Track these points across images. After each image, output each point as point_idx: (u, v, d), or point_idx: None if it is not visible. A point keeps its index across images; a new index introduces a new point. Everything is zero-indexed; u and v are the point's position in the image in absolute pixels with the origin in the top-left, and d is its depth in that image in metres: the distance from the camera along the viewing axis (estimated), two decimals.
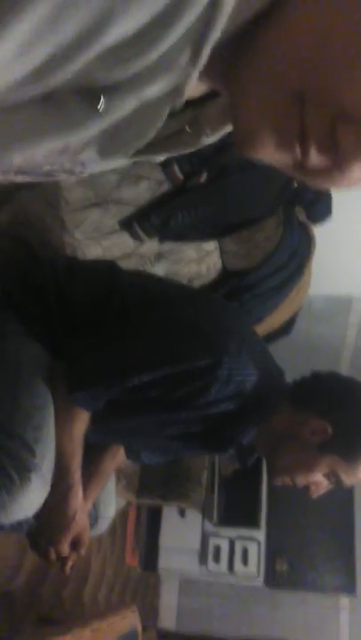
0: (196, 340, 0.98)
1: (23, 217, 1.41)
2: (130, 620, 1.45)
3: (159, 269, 1.73)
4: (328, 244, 2.38)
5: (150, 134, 0.49)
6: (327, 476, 1.08)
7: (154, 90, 0.45)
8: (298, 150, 0.42)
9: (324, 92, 0.39)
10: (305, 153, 0.42)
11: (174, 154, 0.56)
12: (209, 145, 0.58)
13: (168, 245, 1.73)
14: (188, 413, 1.02)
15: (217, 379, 0.96)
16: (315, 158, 0.42)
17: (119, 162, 0.53)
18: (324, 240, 2.22)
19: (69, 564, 1.08)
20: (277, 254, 1.83)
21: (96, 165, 0.53)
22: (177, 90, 0.45)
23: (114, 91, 0.44)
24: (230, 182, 1.47)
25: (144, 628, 2.14)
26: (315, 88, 0.39)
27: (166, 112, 0.47)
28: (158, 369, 0.96)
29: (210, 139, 0.55)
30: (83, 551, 1.09)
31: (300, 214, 1.93)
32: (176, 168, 1.42)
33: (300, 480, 1.09)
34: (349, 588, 3.42)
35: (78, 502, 1.04)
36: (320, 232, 2.09)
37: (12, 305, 1.07)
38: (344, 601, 3.59)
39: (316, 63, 0.39)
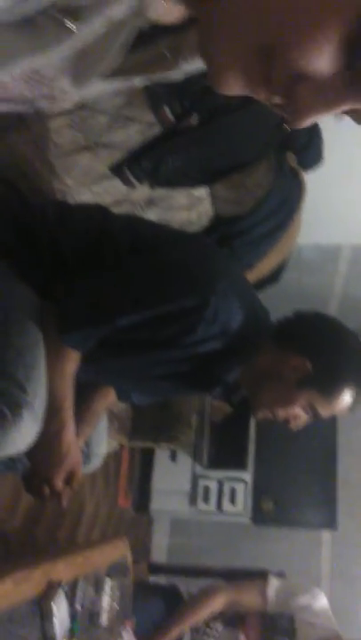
0: (184, 280, 1.00)
1: (11, 160, 1.39)
2: (120, 549, 1.53)
3: (150, 216, 1.73)
4: (318, 192, 2.37)
5: (119, 54, 0.51)
6: (305, 409, 1.13)
7: (120, 10, 0.47)
8: (262, 94, 0.46)
9: (290, 52, 0.42)
10: (267, 98, 0.46)
11: (154, 78, 0.57)
12: (200, 86, 0.60)
13: (159, 192, 1.72)
14: (176, 352, 1.05)
15: (204, 318, 0.98)
16: (277, 101, 0.46)
17: (99, 87, 0.55)
18: (315, 189, 2.21)
19: (65, 498, 1.13)
20: (268, 201, 1.83)
21: (76, 91, 0.55)
22: (141, 9, 0.48)
23: (83, 11, 0.48)
24: (221, 124, 1.46)
25: (136, 562, 2.25)
26: (282, 46, 0.43)
27: (134, 33, 0.50)
28: (147, 309, 0.98)
29: (190, 65, 0.56)
30: (76, 486, 1.13)
31: (292, 160, 1.91)
32: (167, 110, 1.40)
33: (281, 414, 1.14)
34: (331, 524, 3.60)
35: (71, 439, 1.07)
36: (310, 181, 2.07)
37: (1, 249, 1.08)
38: (326, 535, 3.79)
39: (285, 23, 0.42)
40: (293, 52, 0.42)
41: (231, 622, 2.10)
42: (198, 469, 3.42)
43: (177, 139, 1.48)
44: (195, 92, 1.39)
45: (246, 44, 0.45)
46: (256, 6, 0.43)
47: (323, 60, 0.42)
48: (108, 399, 1.35)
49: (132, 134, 1.44)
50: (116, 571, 1.52)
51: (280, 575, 2.31)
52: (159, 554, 3.78)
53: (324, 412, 1.13)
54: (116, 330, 1.00)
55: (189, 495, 3.42)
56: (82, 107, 1.39)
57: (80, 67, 0.52)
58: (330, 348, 1.12)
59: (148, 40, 0.50)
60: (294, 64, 0.42)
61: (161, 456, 3.41)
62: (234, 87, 0.47)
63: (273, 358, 1.12)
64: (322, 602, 2.10)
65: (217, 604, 2.08)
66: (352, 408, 1.14)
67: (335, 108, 0.44)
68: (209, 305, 0.98)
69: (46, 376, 0.97)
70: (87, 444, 1.37)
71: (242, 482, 3.43)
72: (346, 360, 1.12)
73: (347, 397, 1.12)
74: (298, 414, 1.14)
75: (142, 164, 1.47)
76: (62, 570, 1.17)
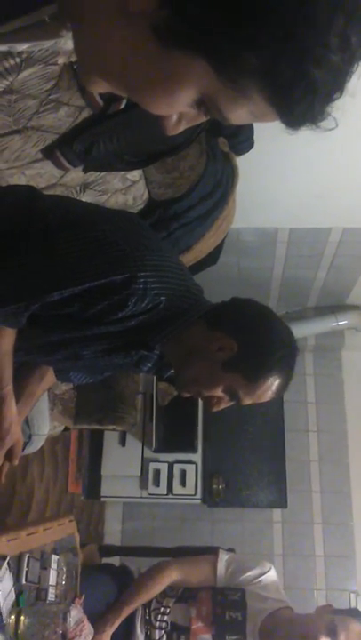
0: (114, 256, 1.01)
1: None
2: (67, 528, 1.55)
3: (85, 200, 1.74)
4: (255, 178, 2.45)
5: None
6: (227, 392, 1.15)
7: None
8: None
9: (146, 105, 0.57)
10: None
11: (34, 44, 0.60)
12: None
13: (93, 176, 1.74)
14: (108, 327, 1.07)
15: (133, 293, 1.00)
16: None
17: None
18: (252, 174, 2.28)
19: (3, 472, 1.15)
20: (202, 183, 1.87)
21: None
22: None
23: None
24: None
25: (86, 544, 2.27)
26: (137, 99, 0.58)
27: None
28: (77, 285, 0.99)
29: (71, 33, 0.60)
30: (16, 462, 1.16)
31: (223, 145, 1.96)
32: (96, 93, 1.42)
33: (203, 392, 1.16)
34: (281, 502, 3.72)
35: (12, 415, 1.09)
36: (246, 166, 2.14)
37: None
38: (277, 514, 3.92)
39: (138, 86, 0.56)
40: (145, 107, 0.56)
41: (183, 598, 2.14)
42: (148, 453, 3.47)
43: (108, 122, 1.50)
44: None
45: (106, 80, 0.56)
46: (115, 53, 0.53)
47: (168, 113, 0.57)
48: (47, 380, 1.37)
49: (62, 118, 1.45)
50: (63, 548, 1.55)
51: (230, 551, 2.37)
52: (112, 539, 3.82)
53: (246, 397, 1.15)
54: (47, 305, 1.01)
55: (140, 479, 3.47)
56: (9, 90, 1.39)
57: None
58: (259, 335, 1.15)
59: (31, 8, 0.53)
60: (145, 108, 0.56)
61: (110, 441, 3.44)
62: (98, 89, 0.57)
63: (202, 336, 1.14)
64: (271, 575, 2.15)
65: (168, 579, 2.11)
66: (275, 396, 1.16)
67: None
68: (138, 279, 1.00)
69: None
70: (29, 425, 1.39)
71: (192, 464, 3.50)
72: (273, 349, 1.14)
73: (269, 386, 1.13)
74: (220, 396, 1.16)
75: (74, 146, 1.48)
76: (6, 545, 1.19)
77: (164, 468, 3.44)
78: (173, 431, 3.49)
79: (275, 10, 0.46)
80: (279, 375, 1.14)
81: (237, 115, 0.54)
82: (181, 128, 0.61)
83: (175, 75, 0.52)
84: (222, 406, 1.18)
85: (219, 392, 1.15)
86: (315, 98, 0.50)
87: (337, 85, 0.50)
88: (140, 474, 3.46)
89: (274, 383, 1.14)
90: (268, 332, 1.16)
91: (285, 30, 0.46)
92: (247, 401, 1.15)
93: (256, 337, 1.15)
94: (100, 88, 0.57)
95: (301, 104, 0.51)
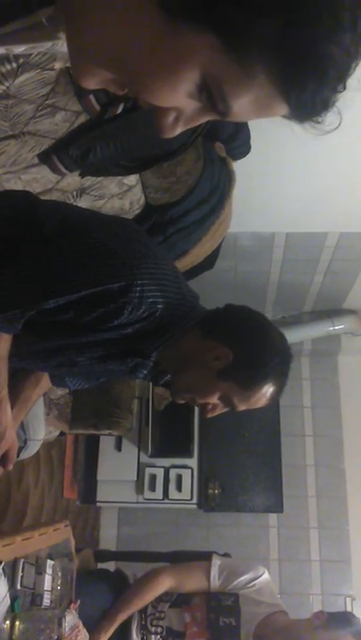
0: (110, 264, 1.01)
1: None
2: (62, 533, 1.55)
3: (82, 205, 1.75)
4: (252, 183, 2.46)
5: None
6: (222, 399, 1.16)
7: None
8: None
9: (143, 93, 0.55)
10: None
11: (31, 46, 0.60)
12: None
13: (90, 180, 1.74)
14: (103, 335, 1.07)
15: (129, 301, 1.00)
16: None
17: None
18: (249, 179, 2.29)
19: None
20: (198, 188, 1.88)
21: None
22: None
23: None
24: (144, 113, 1.49)
25: (81, 549, 2.27)
26: (135, 87, 0.56)
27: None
28: (73, 292, 0.99)
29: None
30: (10, 467, 1.15)
31: (220, 150, 1.97)
32: (92, 98, 1.42)
33: (199, 400, 1.17)
34: (277, 507, 3.72)
35: (6, 419, 1.09)
36: (243, 171, 2.15)
37: None
38: (273, 519, 3.92)
39: (140, 73, 0.53)
40: (146, 95, 0.54)
41: (177, 603, 2.14)
42: (144, 458, 3.47)
43: (104, 127, 1.50)
44: None
45: (101, 69, 0.54)
46: (114, 37, 0.52)
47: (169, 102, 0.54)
48: (42, 385, 1.37)
49: (59, 123, 1.45)
50: (58, 554, 1.55)
51: (225, 556, 2.37)
52: (108, 544, 3.81)
53: (241, 404, 1.16)
54: (43, 312, 1.02)
55: (136, 484, 3.46)
56: (6, 95, 1.39)
57: None
58: (254, 343, 1.15)
59: (28, 12, 0.53)
60: (145, 99, 0.54)
61: (106, 446, 3.44)
62: (90, 85, 0.55)
63: (197, 344, 1.14)
64: (265, 578, 2.14)
65: (162, 585, 2.11)
66: (270, 403, 1.17)
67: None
68: (134, 287, 1.00)
69: None
70: (24, 430, 1.39)
71: (188, 469, 3.50)
72: (268, 357, 1.14)
73: (264, 393, 1.14)
74: (215, 404, 1.17)
75: (70, 151, 1.49)
76: (1, 550, 1.19)
77: (159, 473, 3.43)
78: (169, 436, 3.49)
79: None
80: (274, 382, 1.15)
81: (241, 103, 0.52)
82: (178, 130, 0.59)
83: (181, 51, 0.49)
84: (217, 412, 1.19)
85: (214, 400, 1.16)
86: (323, 78, 0.49)
87: (345, 68, 0.50)
88: (135, 479, 3.46)
89: (269, 390, 1.14)
90: (262, 340, 1.16)
91: (299, 2, 0.46)
92: (242, 407, 1.16)
93: (251, 346, 1.15)
94: (94, 82, 0.56)
95: (310, 84, 0.50)
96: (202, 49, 0.49)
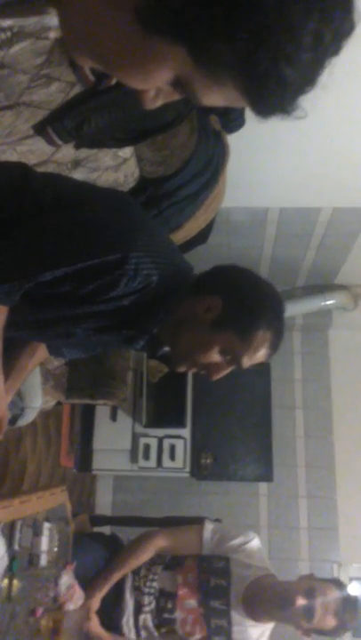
0: (105, 236, 1.03)
1: None
2: (58, 497, 1.60)
3: (77, 177, 1.75)
4: (246, 157, 2.45)
5: None
6: (223, 353, 1.14)
7: None
8: None
9: (125, 80, 0.59)
10: None
11: (18, 20, 0.63)
12: None
13: (84, 152, 1.74)
14: (100, 306, 1.08)
15: (125, 273, 1.02)
16: None
17: None
18: (242, 154, 2.29)
19: None
20: (193, 161, 1.89)
21: None
22: None
23: None
24: None
25: (77, 514, 2.33)
26: (116, 74, 0.60)
27: None
28: (70, 265, 1.00)
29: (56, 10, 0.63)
30: (0, 436, 1.18)
31: (215, 123, 1.97)
32: (87, 68, 1.42)
33: (200, 360, 1.16)
34: (267, 476, 3.80)
35: (0, 390, 1.12)
36: (237, 145, 2.15)
37: None
38: (263, 487, 4.01)
39: (117, 64, 0.58)
40: (126, 81, 0.58)
41: (170, 565, 2.20)
42: (138, 428, 3.53)
43: (99, 98, 1.50)
44: None
45: (86, 54, 0.59)
46: (94, 32, 0.55)
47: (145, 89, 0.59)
48: (38, 355, 1.40)
49: (53, 93, 1.45)
50: (55, 517, 1.60)
51: (217, 522, 2.44)
52: (103, 510, 3.91)
53: (244, 356, 1.14)
54: (39, 284, 1.03)
55: (130, 453, 3.54)
56: (1, 65, 1.39)
57: None
58: (242, 289, 1.16)
59: None
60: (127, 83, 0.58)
61: (101, 416, 3.50)
62: (84, 64, 0.61)
63: (189, 305, 1.15)
64: (255, 543, 2.20)
65: (155, 547, 2.17)
66: (270, 351, 1.15)
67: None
68: (130, 259, 1.01)
69: None
70: (21, 398, 1.43)
71: (181, 439, 3.57)
72: (260, 301, 1.14)
73: (262, 339, 1.13)
74: (217, 361, 1.15)
75: (65, 123, 1.49)
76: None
77: (153, 443, 3.50)
78: (163, 407, 3.55)
79: (253, 8, 0.48)
80: (269, 327, 1.13)
81: (212, 100, 0.57)
82: (159, 103, 0.64)
83: (153, 57, 0.54)
84: (223, 372, 1.17)
85: (215, 356, 1.15)
86: (285, 92, 0.54)
87: (308, 81, 0.54)
88: (130, 448, 3.53)
89: (266, 335, 1.13)
90: (251, 285, 1.17)
91: (261, 28, 0.49)
92: (246, 361, 1.14)
93: (240, 291, 1.15)
94: (84, 63, 0.61)
95: (272, 97, 0.54)
96: (173, 57, 0.53)
